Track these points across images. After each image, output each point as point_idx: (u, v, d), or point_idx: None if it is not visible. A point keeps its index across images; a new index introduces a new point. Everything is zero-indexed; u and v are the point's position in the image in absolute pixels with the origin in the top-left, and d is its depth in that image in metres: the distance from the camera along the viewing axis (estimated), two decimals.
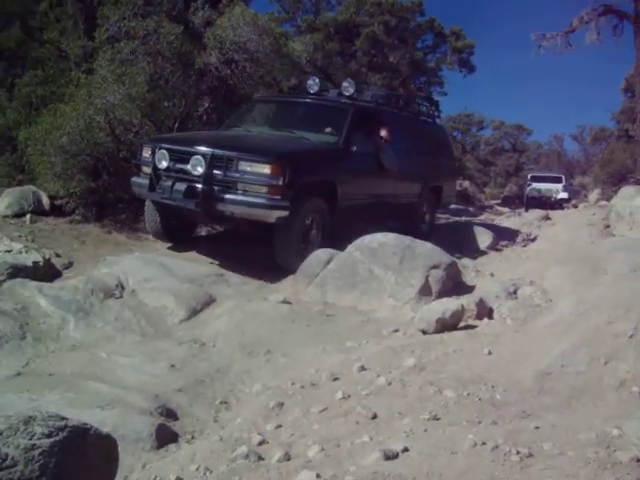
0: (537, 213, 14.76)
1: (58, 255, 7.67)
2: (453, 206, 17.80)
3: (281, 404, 4.13)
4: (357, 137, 8.62)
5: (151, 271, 6.85)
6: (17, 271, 6.58)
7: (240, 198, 7.15)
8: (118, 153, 9.36)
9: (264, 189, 7.11)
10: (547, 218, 13.78)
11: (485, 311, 6.04)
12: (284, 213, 7.17)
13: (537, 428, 3.10)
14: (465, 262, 8.75)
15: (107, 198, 9.29)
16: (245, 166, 7.18)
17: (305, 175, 7.64)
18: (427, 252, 7.02)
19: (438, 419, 3.51)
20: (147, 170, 7.81)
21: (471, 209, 18.65)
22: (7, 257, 6.80)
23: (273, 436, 3.65)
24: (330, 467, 2.92)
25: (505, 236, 11.34)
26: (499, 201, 30.77)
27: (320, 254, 7.23)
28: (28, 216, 8.81)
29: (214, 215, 7.51)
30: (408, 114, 10.65)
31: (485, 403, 3.73)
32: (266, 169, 7.13)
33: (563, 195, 27.62)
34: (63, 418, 1.88)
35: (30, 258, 6.95)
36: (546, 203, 24.74)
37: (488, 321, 5.90)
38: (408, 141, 10.03)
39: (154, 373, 4.86)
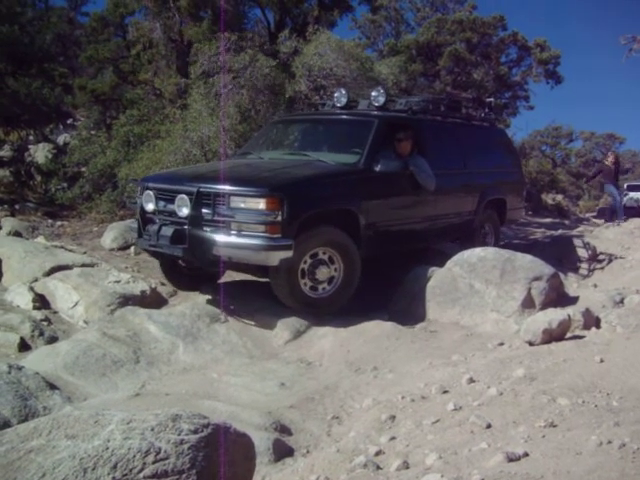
0: (638, 222, 14.28)
1: (163, 284, 7.95)
2: (548, 220, 17.48)
3: (393, 417, 4.16)
4: (384, 154, 7.43)
5: (253, 295, 7.03)
6: (126, 300, 6.88)
7: (234, 240, 6.18)
8: None
9: (261, 227, 6.14)
10: None
11: (592, 321, 5.90)
12: (288, 254, 6.18)
13: None
14: (566, 274, 8.58)
15: None
16: (237, 202, 6.22)
17: (310, 206, 6.56)
18: (528, 264, 6.92)
19: (555, 426, 3.46)
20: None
21: (566, 222, 18.23)
22: (116, 287, 7.11)
23: (388, 447, 3.68)
24: (452, 472, 2.93)
25: (605, 246, 11.02)
26: (594, 213, 29.82)
27: (419, 271, 7.24)
28: (132, 248, 9.19)
29: (209, 261, 6.46)
30: (454, 120, 9.28)
31: (602, 410, 3.64)
32: (260, 204, 6.14)
33: None
34: (205, 417, 2.00)
35: (138, 287, 7.24)
36: None
37: (596, 330, 5.75)
38: (455, 151, 8.83)
39: (265, 391, 5.00)
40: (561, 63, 21.18)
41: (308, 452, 4.05)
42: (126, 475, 1.79)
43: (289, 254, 6.20)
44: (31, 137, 15.77)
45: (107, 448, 1.85)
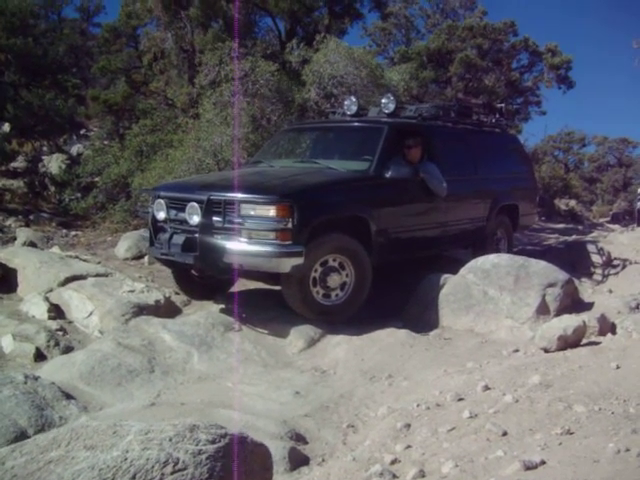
0: None
1: (177, 293, 7.95)
2: (561, 225, 17.42)
3: (408, 425, 4.14)
4: (394, 161, 7.40)
5: (267, 303, 7.04)
6: (140, 309, 6.87)
7: (245, 247, 6.18)
8: None
9: (271, 234, 6.13)
10: None
11: (608, 327, 5.87)
12: (299, 261, 6.16)
13: None
14: (580, 280, 8.54)
15: None
16: (248, 209, 6.22)
17: (321, 213, 6.55)
18: (542, 270, 6.90)
19: (572, 433, 3.44)
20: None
21: (580, 227, 18.14)
22: (131, 297, 7.11)
23: (404, 455, 3.67)
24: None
25: (619, 251, 10.95)
26: (608, 218, 29.71)
27: (433, 278, 7.23)
28: (146, 258, 9.21)
29: (220, 269, 6.48)
30: (465, 127, 9.25)
31: (619, 417, 3.62)
32: (271, 211, 6.14)
33: None
34: (222, 427, 2.01)
35: (152, 297, 7.24)
36: None
37: (612, 336, 5.72)
38: (466, 157, 8.75)
39: (280, 400, 5.00)
40: (573, 68, 21.08)
41: (324, 461, 4.04)
42: None
43: (300, 261, 6.18)
44: (45, 148, 15.91)
45: (126, 459, 1.86)
